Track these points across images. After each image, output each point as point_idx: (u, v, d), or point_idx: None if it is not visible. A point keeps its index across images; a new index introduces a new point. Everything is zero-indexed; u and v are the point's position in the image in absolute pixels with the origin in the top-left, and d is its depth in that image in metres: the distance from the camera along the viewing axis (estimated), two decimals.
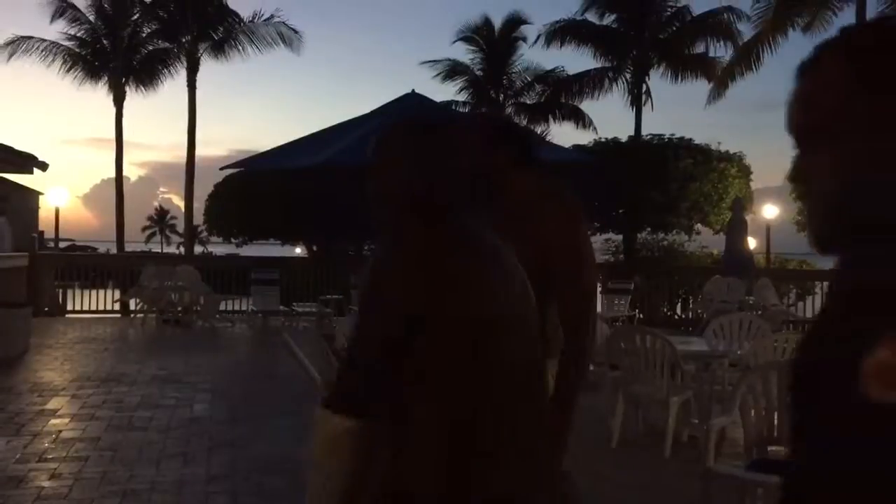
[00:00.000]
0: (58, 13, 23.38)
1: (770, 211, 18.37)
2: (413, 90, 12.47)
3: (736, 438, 4.95)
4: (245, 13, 24.21)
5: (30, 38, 23.48)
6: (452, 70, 21.94)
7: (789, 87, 0.93)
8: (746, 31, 19.55)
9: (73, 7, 23.73)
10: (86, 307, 14.73)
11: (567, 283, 2.29)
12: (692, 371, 6.16)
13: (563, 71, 21.80)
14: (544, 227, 2.26)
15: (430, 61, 21.97)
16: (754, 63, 18.76)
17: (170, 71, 24.37)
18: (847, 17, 18.04)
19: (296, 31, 23.66)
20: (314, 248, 19.21)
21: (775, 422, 4.29)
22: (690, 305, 15.36)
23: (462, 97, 22.08)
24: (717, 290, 12.79)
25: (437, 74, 22.08)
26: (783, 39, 18.65)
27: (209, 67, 24.19)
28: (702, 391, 6.20)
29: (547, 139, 19.86)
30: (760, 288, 12.84)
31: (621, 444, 5.97)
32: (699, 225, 17.68)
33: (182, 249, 36.97)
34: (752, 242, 15.67)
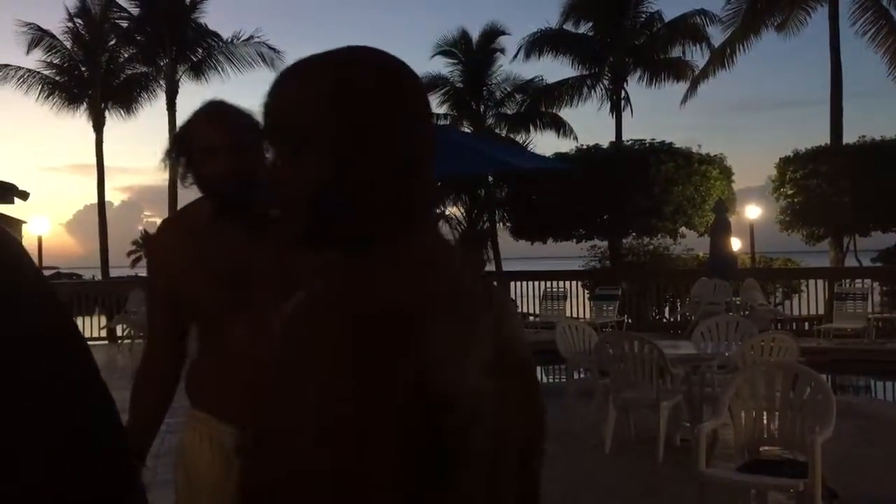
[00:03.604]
0: (34, 42, 23.26)
1: (753, 211, 18.50)
2: None
3: (728, 439, 4.97)
4: (225, 34, 24.20)
5: (6, 66, 23.39)
6: (432, 84, 21.99)
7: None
8: (717, 33, 19.75)
9: (50, 35, 23.64)
10: None
11: None
12: (681, 374, 6.18)
13: (543, 80, 21.91)
14: None
15: None
16: (727, 63, 18.94)
17: (149, 94, 24.31)
18: (820, 16, 18.24)
19: (276, 51, 23.65)
20: None
21: (766, 422, 4.31)
22: (678, 308, 15.41)
23: (443, 110, 22.15)
24: (704, 293, 12.85)
25: None
26: (756, 39, 18.84)
27: (189, 89, 24.06)
28: (692, 394, 6.22)
29: (529, 148, 19.98)
30: (747, 288, 12.90)
31: (614, 451, 5.97)
32: (683, 228, 17.76)
33: None
34: (736, 243, 15.77)
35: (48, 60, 23.79)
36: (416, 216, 0.98)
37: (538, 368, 10.52)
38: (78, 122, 23.52)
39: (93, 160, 24.24)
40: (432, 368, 0.87)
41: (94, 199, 24.46)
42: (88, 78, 23.85)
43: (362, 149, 0.94)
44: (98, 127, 23.93)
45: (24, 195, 12.88)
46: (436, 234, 1.02)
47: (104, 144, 24.12)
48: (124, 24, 23.84)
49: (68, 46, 23.96)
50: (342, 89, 0.95)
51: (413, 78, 1.03)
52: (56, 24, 24.26)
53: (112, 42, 24.15)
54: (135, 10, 23.67)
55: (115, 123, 24.40)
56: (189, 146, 2.02)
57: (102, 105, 23.86)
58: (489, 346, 0.96)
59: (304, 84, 0.96)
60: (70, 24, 23.71)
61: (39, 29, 23.53)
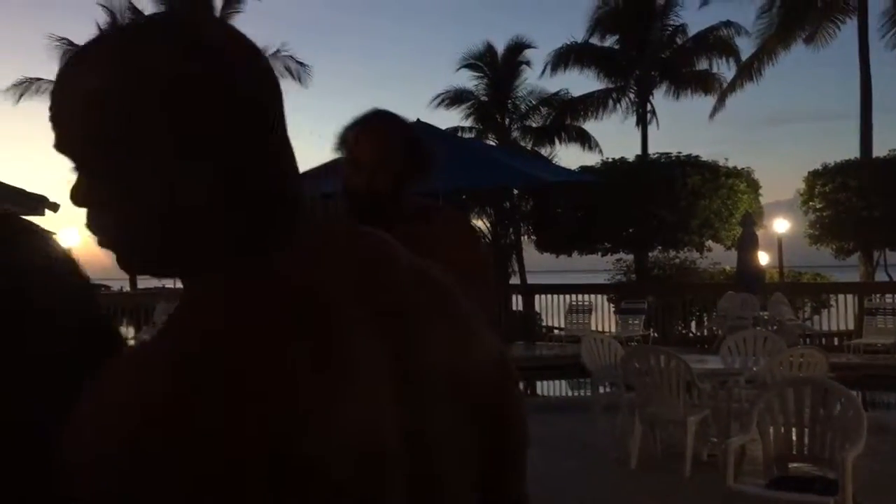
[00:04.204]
0: (65, 56, 23.73)
1: (781, 225, 18.31)
2: (418, 119, 12.56)
3: (756, 456, 4.91)
4: None
5: (39, 79, 23.81)
6: (457, 97, 22.07)
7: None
8: (744, 45, 19.66)
9: None
10: None
11: (477, 299, 2.04)
12: (708, 389, 6.12)
13: (568, 93, 21.92)
14: (448, 244, 1.94)
15: (437, 96, 22.13)
16: (755, 76, 18.84)
17: None
18: (849, 29, 18.09)
19: (303, 64, 23.89)
20: None
21: (794, 438, 4.26)
22: (705, 323, 15.27)
23: (468, 123, 22.21)
24: (731, 307, 12.73)
25: (442, 102, 22.23)
26: (784, 52, 18.73)
27: None
28: (719, 409, 6.15)
29: (554, 161, 19.97)
30: (775, 303, 12.77)
31: (640, 466, 5.92)
32: (710, 242, 17.63)
33: None
34: (764, 257, 15.62)
35: None
36: (275, 232, 0.75)
37: (562, 383, 10.41)
38: None
39: None
40: (286, 424, 0.66)
41: None
42: None
43: (193, 159, 0.71)
44: None
45: (54, 207, 13.07)
46: (314, 236, 0.78)
47: None
48: None
49: None
50: (186, 86, 0.71)
51: (264, 63, 0.77)
52: (87, 37, 24.65)
53: None
54: None
55: None
56: (343, 148, 2.02)
57: None
58: (401, 369, 0.74)
59: (94, 81, 0.73)
60: None
61: (71, 43, 23.94)
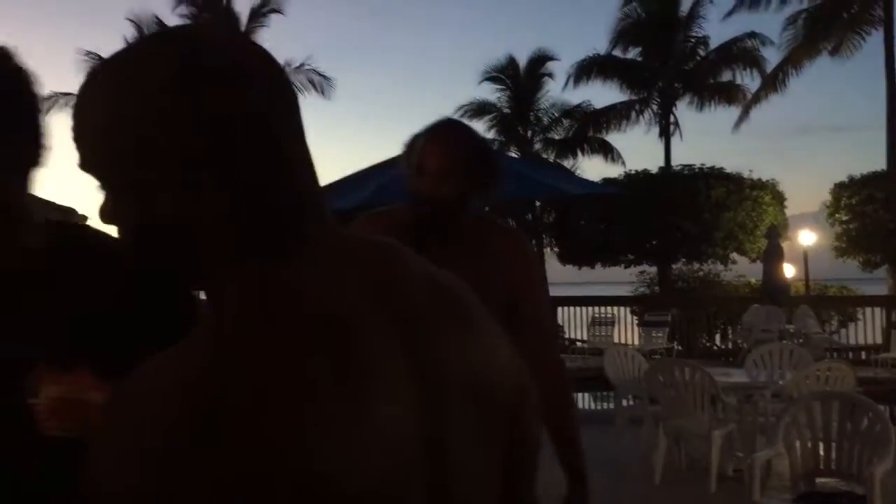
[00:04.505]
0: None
1: (807, 237, 18.14)
2: None
3: (782, 471, 4.85)
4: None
5: (68, 94, 24.16)
6: (480, 109, 22.12)
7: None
8: (769, 55, 19.54)
9: None
10: None
11: (532, 315, 2.04)
12: (734, 403, 6.06)
13: (590, 105, 21.91)
14: (504, 257, 2.02)
15: (460, 108, 22.18)
16: (780, 87, 18.73)
17: None
18: (875, 40, 17.94)
19: (326, 77, 24.08)
20: None
21: (821, 453, 4.20)
22: (730, 336, 15.14)
23: (490, 135, 22.25)
24: (757, 320, 12.60)
25: (465, 114, 22.30)
26: (809, 63, 18.60)
27: None
28: (745, 423, 6.09)
29: (576, 173, 19.94)
30: (801, 316, 12.64)
31: (665, 480, 5.87)
32: (735, 254, 17.50)
33: None
34: (790, 270, 15.47)
35: None
36: (290, 244, 0.75)
37: (585, 396, 10.33)
38: None
39: None
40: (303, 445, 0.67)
41: None
42: None
43: (200, 173, 0.72)
44: None
45: (83, 219, 13.24)
46: (326, 250, 0.78)
47: None
48: None
49: None
50: (196, 100, 0.72)
51: (277, 72, 0.78)
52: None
53: None
54: None
55: None
56: (411, 155, 2.00)
57: None
58: (416, 386, 0.74)
59: (122, 97, 0.74)
60: None
61: (100, 57, 24.30)
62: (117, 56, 0.77)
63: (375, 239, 0.83)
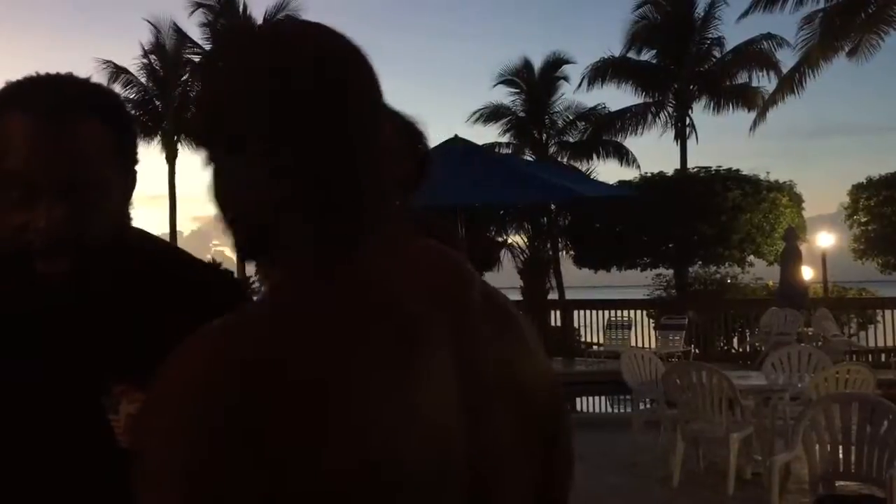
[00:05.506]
0: (112, 79, 24.21)
1: (825, 239, 18.01)
2: (456, 135, 12.60)
3: (801, 474, 4.82)
4: None
5: None
6: (494, 113, 22.11)
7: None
8: (785, 57, 19.41)
9: (126, 71, 24.61)
10: None
11: None
12: (752, 406, 6.03)
13: (605, 108, 21.83)
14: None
15: (474, 112, 22.18)
16: (797, 88, 18.60)
17: None
18: (893, 40, 17.80)
19: None
20: None
21: (841, 456, 4.18)
22: (747, 338, 15.05)
23: (505, 138, 22.24)
24: (775, 323, 12.53)
25: (479, 118, 22.29)
26: (826, 64, 18.47)
27: None
28: (763, 426, 6.06)
29: (591, 176, 19.89)
30: (819, 319, 12.55)
31: (683, 484, 5.85)
32: (752, 256, 17.40)
33: None
34: (808, 272, 15.37)
35: (125, 96, 24.71)
36: (360, 231, 0.80)
37: (602, 399, 10.33)
38: (151, 154, 24.28)
39: (165, 191, 25.01)
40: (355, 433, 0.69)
41: (166, 229, 25.13)
42: (161, 111, 24.68)
43: (296, 155, 0.78)
44: (171, 159, 24.70)
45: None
46: (390, 246, 0.81)
47: (176, 176, 24.89)
48: (196, 58, 24.67)
49: (143, 81, 24.89)
50: (277, 86, 0.78)
51: (360, 65, 0.84)
52: (131, 60, 25.28)
53: (185, 76, 24.99)
54: (207, 45, 24.48)
55: (187, 154, 25.10)
56: None
57: (175, 137, 24.64)
58: (458, 380, 0.77)
59: (235, 77, 0.82)
60: (145, 60, 24.68)
61: (116, 66, 24.51)
62: (216, 49, 0.99)
63: (442, 248, 0.87)
